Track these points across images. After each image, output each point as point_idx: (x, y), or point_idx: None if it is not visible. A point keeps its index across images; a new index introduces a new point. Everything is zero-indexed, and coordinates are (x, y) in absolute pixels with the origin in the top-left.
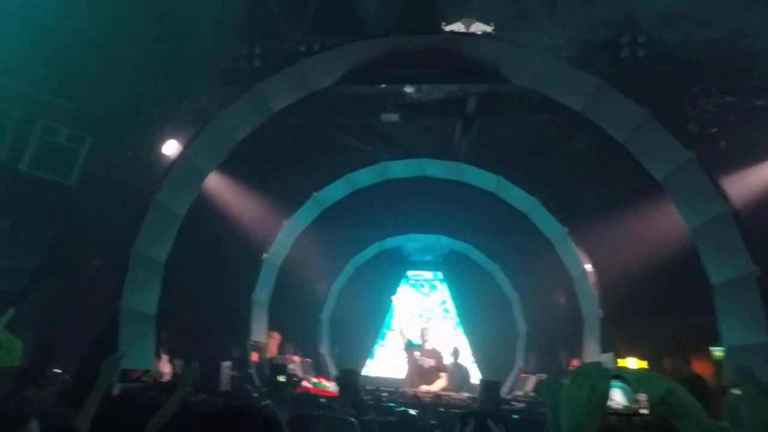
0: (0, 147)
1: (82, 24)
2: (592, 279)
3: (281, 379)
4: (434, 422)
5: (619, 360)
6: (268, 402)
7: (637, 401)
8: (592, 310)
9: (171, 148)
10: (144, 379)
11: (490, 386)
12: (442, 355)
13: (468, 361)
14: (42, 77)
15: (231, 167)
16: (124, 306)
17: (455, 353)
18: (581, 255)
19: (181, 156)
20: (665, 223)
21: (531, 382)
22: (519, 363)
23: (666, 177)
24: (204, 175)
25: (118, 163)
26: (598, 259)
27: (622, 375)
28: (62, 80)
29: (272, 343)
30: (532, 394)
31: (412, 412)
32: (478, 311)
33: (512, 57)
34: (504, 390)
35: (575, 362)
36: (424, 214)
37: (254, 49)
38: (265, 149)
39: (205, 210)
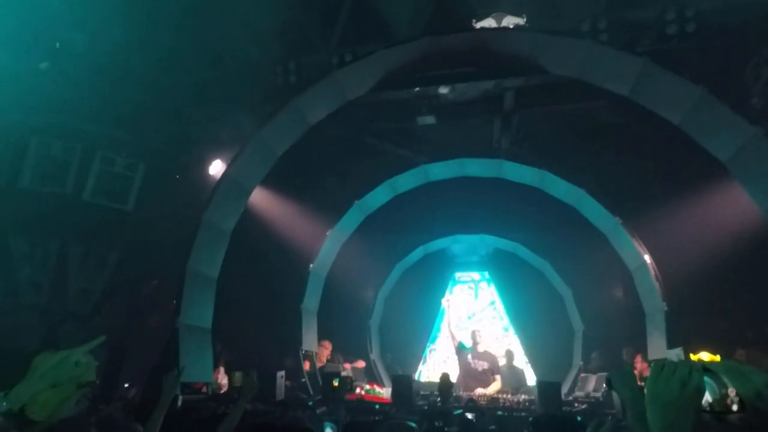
0: (66, 181)
1: (134, 61)
2: (652, 271)
3: (335, 383)
4: (493, 427)
5: (691, 355)
6: (323, 409)
7: (725, 397)
8: (654, 303)
9: (216, 168)
10: (204, 391)
11: (549, 388)
12: (495, 357)
13: (522, 362)
14: (99, 113)
15: (274, 182)
16: (183, 322)
17: (509, 355)
18: (638, 246)
19: (225, 175)
20: (732, 207)
21: (592, 382)
22: (578, 362)
23: (731, 157)
24: (248, 192)
25: (169, 187)
26: (657, 249)
27: (710, 368)
28: (117, 114)
29: (323, 351)
30: (594, 394)
31: (469, 416)
32: (529, 310)
33: (549, 47)
34: (563, 391)
35: (639, 359)
36: (467, 215)
37: (288, 65)
38: (305, 161)
39: (251, 225)
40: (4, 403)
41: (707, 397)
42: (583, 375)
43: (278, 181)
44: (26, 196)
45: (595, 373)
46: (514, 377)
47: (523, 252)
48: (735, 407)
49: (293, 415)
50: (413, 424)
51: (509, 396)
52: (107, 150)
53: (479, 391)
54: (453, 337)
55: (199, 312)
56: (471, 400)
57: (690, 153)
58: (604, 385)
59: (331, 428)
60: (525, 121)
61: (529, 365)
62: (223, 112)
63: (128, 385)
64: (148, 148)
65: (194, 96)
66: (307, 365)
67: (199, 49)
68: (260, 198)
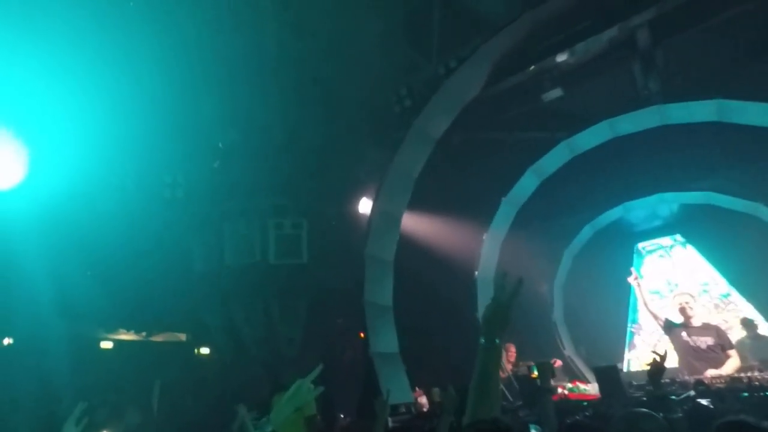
0: (253, 251)
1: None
2: None
3: (533, 373)
4: (739, 410)
5: None
6: (527, 412)
7: None
8: None
9: (365, 205)
10: (407, 410)
11: None
12: (720, 329)
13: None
14: (264, 189)
15: (420, 203)
16: (374, 350)
17: (746, 324)
18: None
19: (375, 209)
20: None
21: None
22: None
23: None
24: (399, 219)
25: (332, 234)
26: None
27: None
28: (276, 185)
29: (507, 356)
30: None
31: (703, 402)
32: (749, 265)
33: None
34: None
35: None
36: (631, 178)
37: (401, 91)
38: (443, 175)
39: (410, 250)
40: (269, 428)
41: None
42: None
43: (424, 201)
44: (232, 271)
45: None
46: (761, 348)
47: (720, 199)
48: None
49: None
50: (658, 415)
51: (756, 374)
52: (276, 217)
53: (710, 372)
54: (656, 317)
55: (384, 339)
56: (700, 383)
57: None
58: None
59: (536, 430)
60: (672, 53)
61: None
62: (357, 154)
63: (343, 415)
64: (306, 206)
65: (329, 150)
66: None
67: (321, 108)
68: (412, 222)
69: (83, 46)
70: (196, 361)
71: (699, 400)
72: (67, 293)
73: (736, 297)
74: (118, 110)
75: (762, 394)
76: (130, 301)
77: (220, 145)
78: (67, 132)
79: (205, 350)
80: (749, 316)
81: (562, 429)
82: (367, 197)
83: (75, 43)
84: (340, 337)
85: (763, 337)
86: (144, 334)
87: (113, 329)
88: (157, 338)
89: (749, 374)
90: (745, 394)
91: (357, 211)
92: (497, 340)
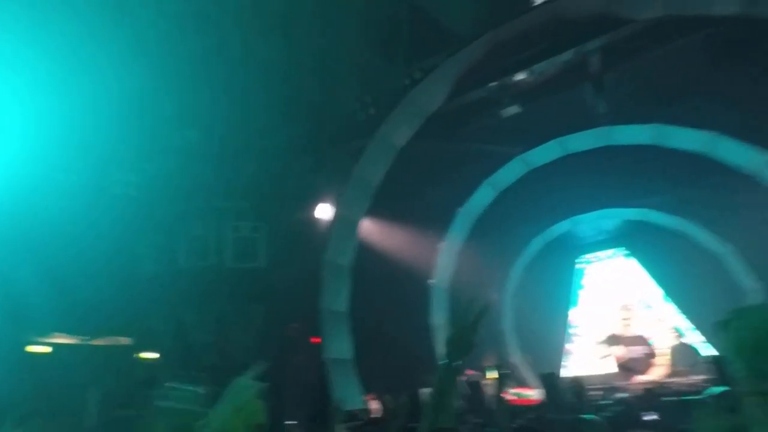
0: (209, 254)
1: (239, 140)
2: None
3: (490, 375)
4: (655, 416)
5: None
6: (480, 421)
7: None
8: None
9: (325, 211)
10: (359, 416)
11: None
12: (649, 339)
13: (695, 338)
14: (219, 190)
15: (379, 211)
16: (328, 356)
17: (675, 333)
18: None
19: (336, 215)
20: None
21: None
22: None
23: None
24: (357, 225)
25: (290, 238)
26: None
27: None
28: (234, 188)
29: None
30: None
31: (622, 407)
32: (683, 279)
33: None
34: None
35: None
36: (579, 194)
37: (365, 99)
38: (402, 184)
39: (368, 256)
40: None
41: None
42: None
43: (383, 209)
44: (185, 273)
45: None
46: (686, 356)
47: (657, 216)
48: None
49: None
50: (599, 419)
51: (680, 379)
52: (234, 220)
53: (638, 378)
54: (596, 326)
55: (338, 345)
56: (628, 389)
57: None
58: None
59: None
60: (620, 79)
61: (703, 340)
62: (318, 159)
63: (293, 423)
64: (266, 210)
65: (291, 153)
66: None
67: (284, 111)
68: (371, 229)
69: (34, 40)
70: (139, 367)
71: (625, 404)
72: (8, 294)
73: (669, 307)
74: (70, 106)
75: (682, 397)
76: (73, 303)
77: (177, 143)
78: (14, 127)
79: (150, 355)
80: (679, 326)
81: None
82: (327, 203)
83: (25, 38)
84: (294, 343)
85: (687, 345)
86: (86, 338)
87: (52, 332)
88: (99, 342)
89: (675, 380)
90: (666, 399)
91: (316, 217)
92: (459, 363)
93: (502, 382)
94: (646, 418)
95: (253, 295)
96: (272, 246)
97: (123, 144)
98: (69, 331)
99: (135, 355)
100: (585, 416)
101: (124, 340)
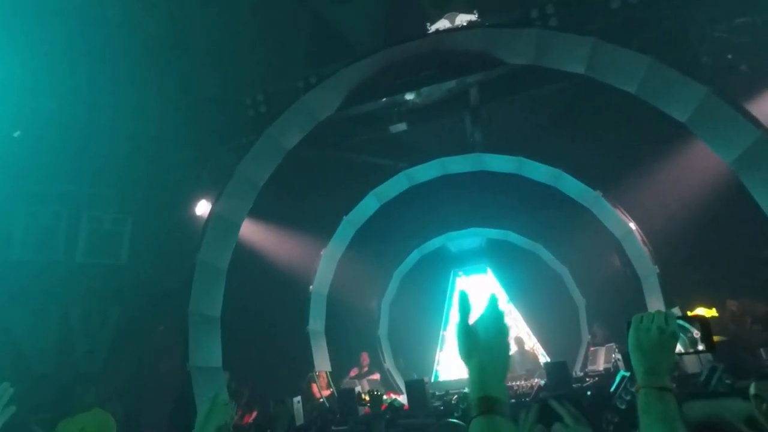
0: (56, 246)
1: (104, 116)
2: (638, 236)
3: (366, 396)
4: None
5: (688, 312)
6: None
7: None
8: (646, 267)
9: (202, 208)
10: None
11: (556, 368)
12: None
13: (535, 346)
14: (79, 173)
15: (262, 212)
16: (193, 364)
17: (518, 341)
18: (621, 215)
19: (212, 213)
20: (702, 163)
21: (602, 355)
22: (586, 337)
23: (690, 118)
24: (237, 227)
25: (160, 234)
26: (640, 215)
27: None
28: (97, 171)
29: (363, 366)
30: (606, 365)
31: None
32: (530, 293)
33: (501, 39)
34: (577, 367)
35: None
36: (455, 211)
37: (257, 96)
38: (288, 187)
39: (246, 258)
40: None
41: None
42: (592, 349)
43: (266, 211)
44: (21, 267)
45: (603, 345)
46: (526, 363)
47: (515, 238)
48: (701, 347)
49: None
50: (462, 423)
51: (522, 382)
52: (93, 209)
53: None
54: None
55: (207, 352)
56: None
57: (653, 120)
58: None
59: None
60: (494, 113)
61: (541, 348)
62: (200, 152)
63: None
64: (133, 201)
65: (169, 141)
66: (315, 387)
67: (166, 94)
68: (251, 231)
69: None
70: None
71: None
72: None
73: (519, 318)
74: None
75: (524, 399)
76: None
77: (28, 112)
78: None
79: None
80: (521, 335)
81: None
82: (206, 199)
83: None
84: (156, 348)
85: (528, 352)
86: None
87: None
88: None
89: (516, 383)
90: (512, 400)
91: (194, 213)
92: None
93: (375, 403)
94: None
95: (109, 294)
96: (138, 241)
97: None
98: None
99: None
100: (451, 420)
101: None
